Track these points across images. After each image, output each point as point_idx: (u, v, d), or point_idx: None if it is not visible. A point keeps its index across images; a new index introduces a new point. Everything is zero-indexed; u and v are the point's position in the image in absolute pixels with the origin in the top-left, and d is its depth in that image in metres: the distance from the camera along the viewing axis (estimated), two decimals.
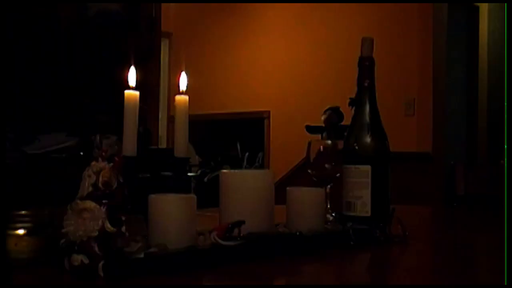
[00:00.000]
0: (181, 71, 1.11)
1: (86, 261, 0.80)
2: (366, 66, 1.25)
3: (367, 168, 1.19)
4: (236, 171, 1.08)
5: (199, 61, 5.63)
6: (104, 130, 1.27)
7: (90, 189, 0.84)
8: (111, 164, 0.87)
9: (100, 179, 0.85)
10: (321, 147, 1.28)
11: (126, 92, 1.01)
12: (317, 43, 5.13)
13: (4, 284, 0.75)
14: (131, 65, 1.01)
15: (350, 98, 1.29)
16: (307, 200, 1.11)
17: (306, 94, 5.14)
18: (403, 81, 4.55)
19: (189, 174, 1.10)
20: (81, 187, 0.86)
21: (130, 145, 0.99)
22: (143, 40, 2.51)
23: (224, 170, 1.08)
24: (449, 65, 4.64)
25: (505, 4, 4.09)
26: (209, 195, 1.24)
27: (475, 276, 0.99)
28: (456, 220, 1.96)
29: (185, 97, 1.09)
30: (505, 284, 0.83)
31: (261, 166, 5.22)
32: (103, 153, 0.88)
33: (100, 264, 0.79)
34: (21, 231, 0.88)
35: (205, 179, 3.18)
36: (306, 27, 5.23)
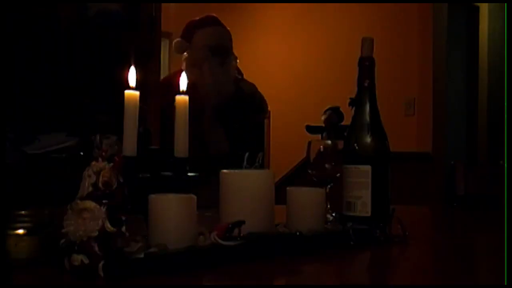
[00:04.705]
0: (181, 71, 1.11)
1: (86, 261, 0.80)
2: (366, 66, 1.25)
3: (367, 168, 1.19)
4: (236, 171, 1.08)
5: None
6: (104, 130, 1.27)
7: (90, 189, 0.84)
8: (111, 164, 0.87)
9: (100, 179, 0.85)
10: (321, 147, 1.28)
11: (126, 92, 1.00)
12: (317, 43, 5.12)
13: (4, 284, 0.75)
14: (131, 65, 1.01)
15: (350, 98, 1.29)
16: (307, 200, 1.11)
17: (306, 94, 5.13)
18: (403, 81, 4.55)
19: (189, 174, 1.10)
20: (81, 187, 0.86)
21: (130, 145, 0.99)
22: (143, 40, 2.51)
23: (224, 170, 1.08)
24: (449, 65, 4.64)
25: (505, 4, 4.09)
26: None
27: (475, 276, 0.99)
28: (456, 220, 1.96)
29: (185, 97, 1.09)
30: (505, 284, 0.83)
31: (261, 166, 5.21)
32: (103, 153, 0.88)
33: (100, 264, 0.79)
34: (21, 231, 0.88)
35: None
36: (306, 27, 5.23)
